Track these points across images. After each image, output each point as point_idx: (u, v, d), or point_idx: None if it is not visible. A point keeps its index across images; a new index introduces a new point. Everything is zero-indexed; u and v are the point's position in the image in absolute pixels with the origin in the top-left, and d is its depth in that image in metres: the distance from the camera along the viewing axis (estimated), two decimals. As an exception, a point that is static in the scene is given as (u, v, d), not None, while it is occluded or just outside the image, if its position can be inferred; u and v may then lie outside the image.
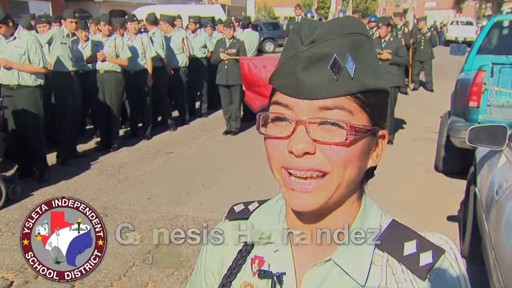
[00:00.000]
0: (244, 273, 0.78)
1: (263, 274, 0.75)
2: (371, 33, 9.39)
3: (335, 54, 0.63)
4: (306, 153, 0.64)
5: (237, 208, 0.85)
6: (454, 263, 0.70)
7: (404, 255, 0.70)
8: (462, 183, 4.36)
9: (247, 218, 0.81)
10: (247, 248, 0.78)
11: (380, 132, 0.71)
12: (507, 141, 2.90)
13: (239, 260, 0.78)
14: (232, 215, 0.84)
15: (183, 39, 7.93)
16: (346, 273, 0.70)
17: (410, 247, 0.70)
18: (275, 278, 0.73)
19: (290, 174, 0.67)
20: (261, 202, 0.84)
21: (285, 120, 0.66)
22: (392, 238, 0.71)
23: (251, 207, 0.83)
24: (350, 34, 0.64)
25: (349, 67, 0.63)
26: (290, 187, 0.67)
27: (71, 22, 5.98)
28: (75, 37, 6.36)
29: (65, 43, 5.79)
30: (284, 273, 0.73)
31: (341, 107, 0.64)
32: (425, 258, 0.69)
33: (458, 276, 0.69)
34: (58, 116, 5.90)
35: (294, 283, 0.73)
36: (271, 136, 0.68)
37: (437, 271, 0.69)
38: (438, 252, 0.70)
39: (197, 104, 9.27)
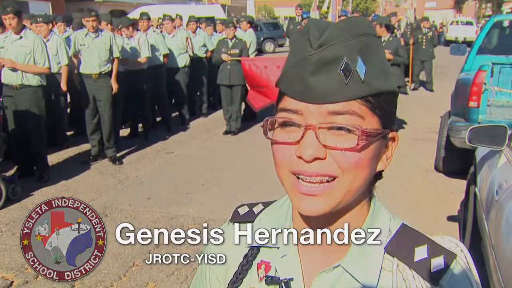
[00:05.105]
0: (250, 278, 0.76)
1: (271, 280, 0.73)
2: None
3: (345, 57, 0.61)
4: (316, 158, 0.63)
5: (242, 211, 0.82)
6: (466, 267, 0.68)
7: (415, 260, 0.68)
8: (462, 183, 4.36)
9: (253, 221, 0.79)
10: (253, 252, 0.76)
11: (390, 135, 0.69)
12: (507, 141, 2.90)
13: (245, 265, 0.76)
14: (237, 218, 0.81)
15: (187, 39, 7.94)
16: (356, 280, 0.69)
17: (421, 252, 0.68)
18: (283, 284, 0.71)
19: (299, 178, 0.65)
20: (266, 204, 0.81)
21: (293, 125, 0.65)
22: (402, 243, 0.69)
23: (256, 210, 0.81)
24: (359, 35, 0.63)
25: (360, 70, 0.62)
26: (299, 190, 0.65)
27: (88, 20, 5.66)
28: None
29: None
30: (292, 279, 0.71)
31: (351, 112, 0.63)
32: (437, 263, 0.67)
33: (471, 280, 0.68)
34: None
35: None
36: (279, 141, 0.66)
37: (449, 276, 0.67)
38: (449, 256, 0.68)
39: (197, 104, 9.27)
